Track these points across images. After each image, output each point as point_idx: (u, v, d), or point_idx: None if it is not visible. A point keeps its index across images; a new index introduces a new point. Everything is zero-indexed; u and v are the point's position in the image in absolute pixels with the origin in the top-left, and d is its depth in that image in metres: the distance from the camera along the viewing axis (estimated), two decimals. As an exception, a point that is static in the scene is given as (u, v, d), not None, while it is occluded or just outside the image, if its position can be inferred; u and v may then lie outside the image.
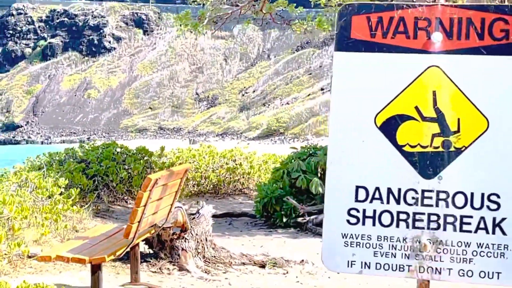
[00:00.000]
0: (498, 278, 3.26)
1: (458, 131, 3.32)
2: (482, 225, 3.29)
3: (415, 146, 3.34)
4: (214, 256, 7.52)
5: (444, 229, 3.32)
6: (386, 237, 3.35)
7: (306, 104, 67.45)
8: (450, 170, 3.31)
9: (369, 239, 3.36)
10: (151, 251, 7.37)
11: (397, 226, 3.34)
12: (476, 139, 3.31)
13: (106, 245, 5.78)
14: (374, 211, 3.36)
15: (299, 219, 10.11)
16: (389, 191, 3.35)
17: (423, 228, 3.33)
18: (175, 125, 70.38)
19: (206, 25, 12.81)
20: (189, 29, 13.02)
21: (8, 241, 6.54)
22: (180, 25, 13.09)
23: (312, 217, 10.01)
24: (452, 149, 3.32)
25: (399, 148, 3.36)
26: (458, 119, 3.32)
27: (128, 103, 74.01)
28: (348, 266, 3.39)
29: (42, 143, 65.05)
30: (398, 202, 3.34)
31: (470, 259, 3.30)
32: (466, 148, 3.31)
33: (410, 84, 3.36)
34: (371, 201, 3.37)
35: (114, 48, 78.71)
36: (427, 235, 3.33)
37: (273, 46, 78.58)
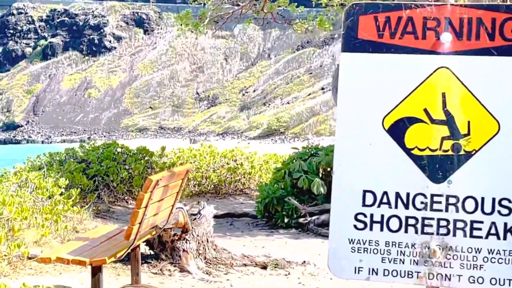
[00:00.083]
0: (510, 285, 3.17)
1: (468, 134, 3.23)
2: (493, 231, 3.20)
3: (424, 150, 3.25)
4: (215, 257, 7.48)
5: (454, 235, 3.23)
6: (394, 243, 3.26)
7: (307, 103, 67.38)
8: (460, 174, 3.22)
9: (376, 244, 3.27)
10: (152, 252, 7.33)
11: (406, 231, 3.25)
12: (487, 142, 3.22)
13: (107, 247, 5.72)
14: (382, 216, 3.27)
15: (301, 220, 10.07)
16: (398, 195, 3.26)
17: (432, 233, 3.24)
18: (176, 125, 70.32)
19: (207, 25, 12.76)
20: (190, 28, 12.97)
21: (8, 242, 6.49)
22: (181, 25, 13.04)
23: (313, 217, 9.96)
24: (462, 152, 3.23)
25: (408, 151, 3.26)
26: (468, 122, 3.23)
27: (129, 102, 73.96)
28: (355, 273, 3.29)
29: (42, 142, 65.00)
30: (406, 207, 3.25)
31: (480, 265, 3.20)
32: (476, 151, 3.22)
33: (418, 85, 3.27)
34: (378, 206, 3.27)
35: (115, 48, 78.62)
36: (437, 240, 3.24)
37: (274, 46, 78.49)
